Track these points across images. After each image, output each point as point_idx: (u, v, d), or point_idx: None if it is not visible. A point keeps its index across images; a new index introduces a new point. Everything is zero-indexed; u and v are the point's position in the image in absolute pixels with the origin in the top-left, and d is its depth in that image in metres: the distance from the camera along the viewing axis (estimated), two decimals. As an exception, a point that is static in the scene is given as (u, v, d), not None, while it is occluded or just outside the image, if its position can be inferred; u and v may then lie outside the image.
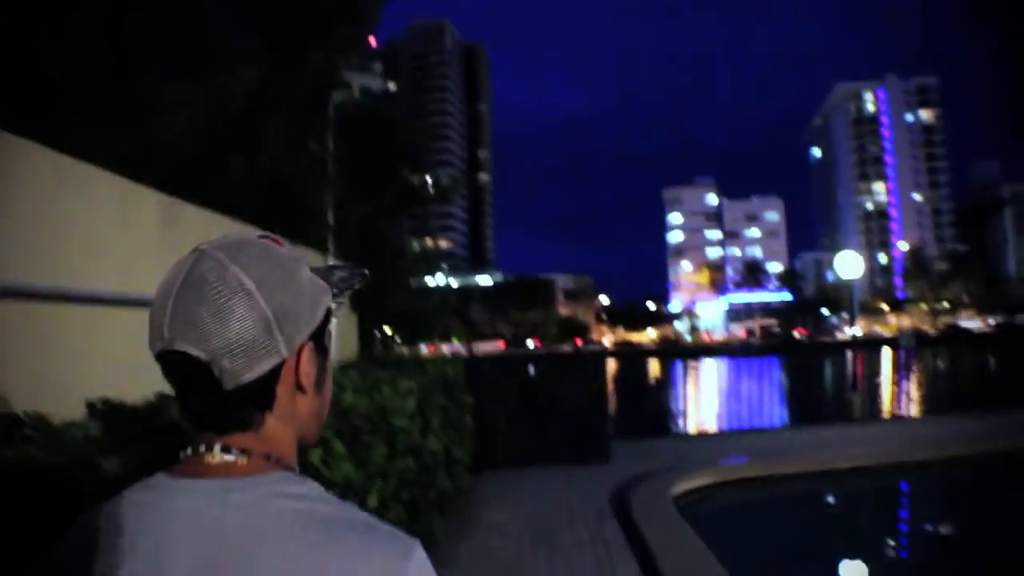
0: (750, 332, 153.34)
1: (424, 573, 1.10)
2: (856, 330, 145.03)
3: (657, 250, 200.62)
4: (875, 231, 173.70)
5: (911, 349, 23.77)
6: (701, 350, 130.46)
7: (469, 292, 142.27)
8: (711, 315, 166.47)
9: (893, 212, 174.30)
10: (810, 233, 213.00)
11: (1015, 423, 15.33)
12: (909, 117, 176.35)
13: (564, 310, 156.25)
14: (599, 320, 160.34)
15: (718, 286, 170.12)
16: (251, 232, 1.24)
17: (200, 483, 1.13)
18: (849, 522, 11.30)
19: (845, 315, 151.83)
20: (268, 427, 1.18)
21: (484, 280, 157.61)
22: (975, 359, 58.28)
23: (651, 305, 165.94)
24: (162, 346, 1.11)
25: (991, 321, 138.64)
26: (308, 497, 1.12)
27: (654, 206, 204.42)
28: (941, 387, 28.25)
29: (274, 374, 1.15)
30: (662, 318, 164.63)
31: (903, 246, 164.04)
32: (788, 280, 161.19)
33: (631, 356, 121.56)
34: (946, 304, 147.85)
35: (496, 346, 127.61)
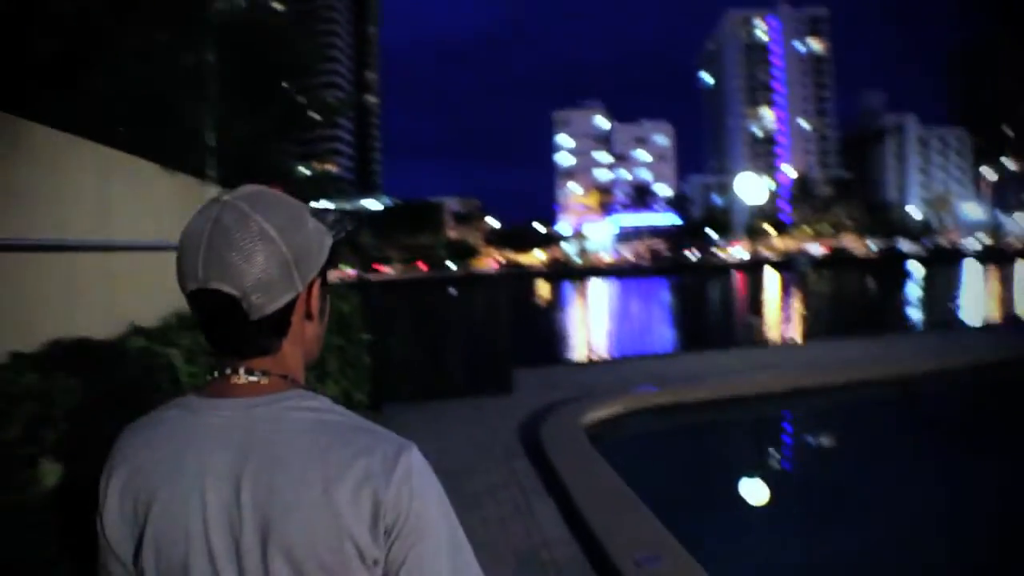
0: (639, 254, 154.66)
1: (417, 467, 1.32)
2: (743, 253, 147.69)
3: (546, 173, 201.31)
4: (762, 156, 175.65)
5: (805, 272, 23.53)
6: (590, 271, 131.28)
7: (358, 217, 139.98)
8: (600, 237, 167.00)
9: (781, 138, 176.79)
10: (698, 157, 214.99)
11: (910, 345, 15.34)
12: (799, 46, 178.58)
13: (453, 233, 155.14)
14: (488, 242, 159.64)
15: (607, 208, 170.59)
16: (257, 185, 1.39)
17: (230, 401, 1.34)
18: (758, 449, 11.01)
19: (730, 238, 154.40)
20: (283, 351, 1.39)
21: (372, 205, 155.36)
22: (859, 282, 59.71)
23: (540, 227, 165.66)
24: (197, 285, 1.29)
25: (872, 245, 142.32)
26: (320, 409, 1.34)
27: (543, 129, 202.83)
28: (833, 310, 28.43)
29: (290, 306, 1.36)
30: (551, 240, 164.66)
31: (790, 171, 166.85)
32: (677, 203, 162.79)
33: (520, 278, 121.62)
34: (829, 228, 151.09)
35: (390, 272, 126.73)
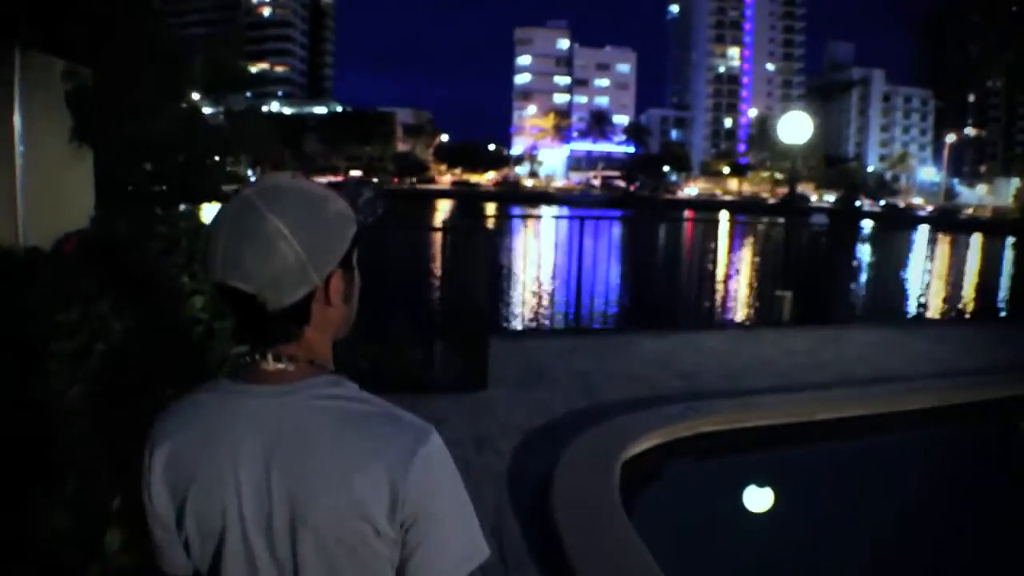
0: (590, 184, 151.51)
1: (435, 453, 1.43)
2: (693, 191, 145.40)
3: (503, 92, 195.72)
4: (724, 95, 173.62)
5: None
6: (540, 197, 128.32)
7: (304, 122, 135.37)
8: (553, 161, 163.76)
9: (745, 79, 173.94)
10: (659, 90, 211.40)
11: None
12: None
13: (402, 146, 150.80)
14: (437, 158, 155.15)
15: (562, 133, 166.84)
16: (284, 175, 1.48)
17: (259, 388, 1.44)
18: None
19: (686, 176, 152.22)
20: (307, 336, 1.48)
21: (321, 110, 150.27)
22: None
23: (492, 147, 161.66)
24: (217, 279, 1.39)
25: (827, 198, 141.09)
26: (345, 397, 1.44)
27: (504, 45, 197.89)
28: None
29: (309, 296, 1.43)
30: (502, 161, 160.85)
31: (752, 113, 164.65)
32: (634, 134, 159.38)
33: (469, 198, 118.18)
34: (781, 175, 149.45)
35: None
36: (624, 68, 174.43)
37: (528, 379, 9.03)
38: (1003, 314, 17.58)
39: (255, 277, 1.35)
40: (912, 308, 18.20)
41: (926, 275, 18.96)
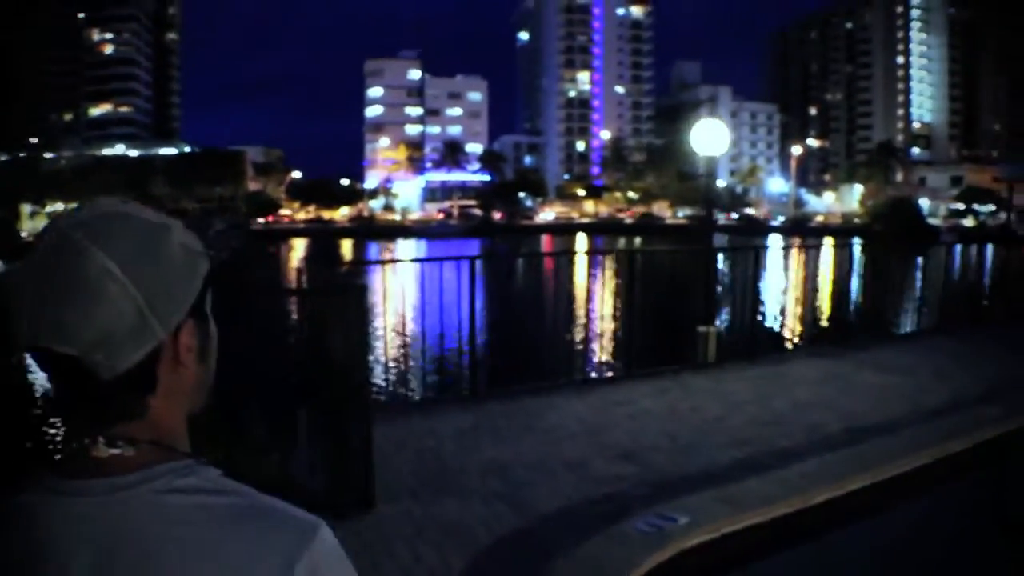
0: (447, 213, 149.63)
1: (325, 553, 1.07)
2: (549, 216, 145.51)
3: (355, 125, 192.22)
4: (576, 119, 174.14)
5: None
6: (398, 230, 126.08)
7: (151, 164, 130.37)
8: (408, 193, 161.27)
9: (596, 103, 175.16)
10: (511, 117, 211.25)
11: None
12: (620, 11, 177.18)
13: (254, 185, 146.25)
14: (290, 196, 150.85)
15: (416, 164, 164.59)
16: (111, 201, 1.12)
17: (88, 484, 1.05)
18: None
19: (542, 200, 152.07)
20: (153, 409, 1.10)
21: (169, 151, 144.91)
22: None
23: (346, 182, 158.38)
24: (25, 342, 1.03)
25: (680, 214, 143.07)
26: (202, 490, 1.06)
27: (354, 79, 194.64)
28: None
29: (152, 356, 1.07)
30: (356, 195, 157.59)
31: (604, 135, 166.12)
32: (489, 161, 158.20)
33: (323, 235, 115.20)
34: (634, 195, 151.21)
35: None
36: (476, 96, 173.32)
37: (429, 484, 6.66)
38: (914, 326, 16.09)
39: (78, 335, 1.00)
40: (823, 327, 16.75)
41: (815, 291, 17.60)
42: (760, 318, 14.55)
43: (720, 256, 14.05)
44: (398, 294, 13.61)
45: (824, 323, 16.85)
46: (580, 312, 15.85)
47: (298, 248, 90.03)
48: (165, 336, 1.07)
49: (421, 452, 7.45)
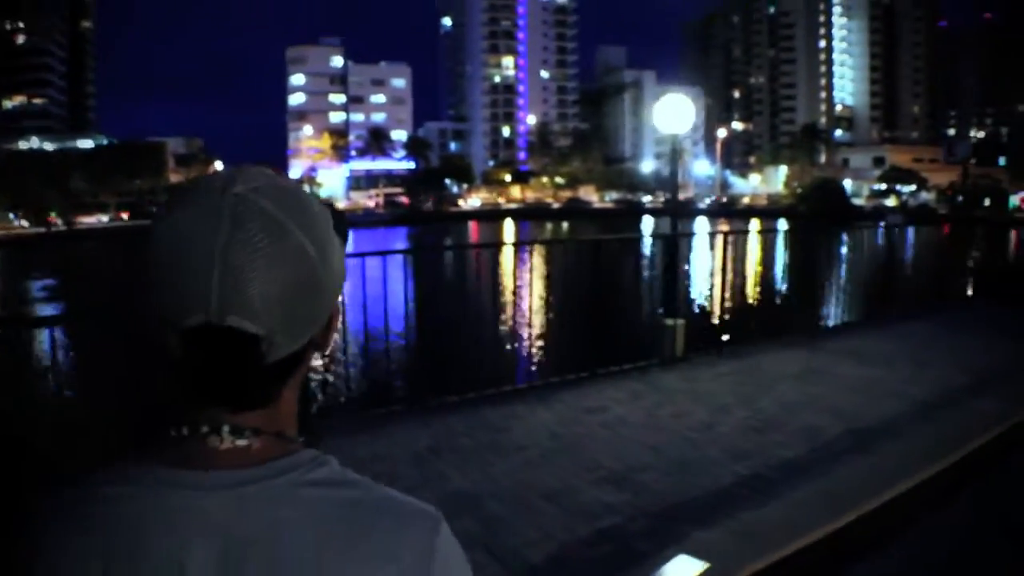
0: (376, 202, 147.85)
1: (450, 544, 1.02)
2: (476, 203, 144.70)
3: (277, 114, 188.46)
4: (501, 104, 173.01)
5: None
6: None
7: (68, 157, 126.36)
8: (333, 182, 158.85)
9: (521, 88, 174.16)
10: (436, 103, 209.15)
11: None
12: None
13: (175, 177, 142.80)
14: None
15: (341, 152, 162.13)
16: (268, 171, 1.03)
17: (208, 477, 0.96)
18: None
19: (468, 187, 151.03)
20: (282, 398, 1.04)
21: (87, 144, 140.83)
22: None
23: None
24: (205, 319, 0.91)
25: (608, 198, 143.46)
26: (332, 482, 1.00)
27: (276, 67, 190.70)
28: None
29: (309, 341, 1.02)
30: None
31: (530, 120, 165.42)
32: (414, 148, 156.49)
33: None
34: (562, 180, 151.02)
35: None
36: (400, 83, 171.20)
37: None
38: (875, 311, 15.45)
39: (270, 313, 0.92)
40: (785, 314, 16.00)
41: (767, 277, 16.93)
42: (718, 307, 13.68)
43: (660, 244, 12.91)
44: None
45: (784, 309, 16.09)
46: (521, 307, 14.81)
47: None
48: (325, 320, 1.03)
49: (374, 477, 6.32)
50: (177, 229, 0.93)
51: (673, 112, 10.90)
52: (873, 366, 10.65)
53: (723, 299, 12.71)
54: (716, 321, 13.33)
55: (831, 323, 13.89)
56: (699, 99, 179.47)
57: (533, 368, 11.70)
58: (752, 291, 16.77)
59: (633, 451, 6.94)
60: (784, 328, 14.28)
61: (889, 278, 16.67)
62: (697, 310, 12.42)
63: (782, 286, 15.71)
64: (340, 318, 1.09)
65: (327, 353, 1.12)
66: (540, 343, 12.75)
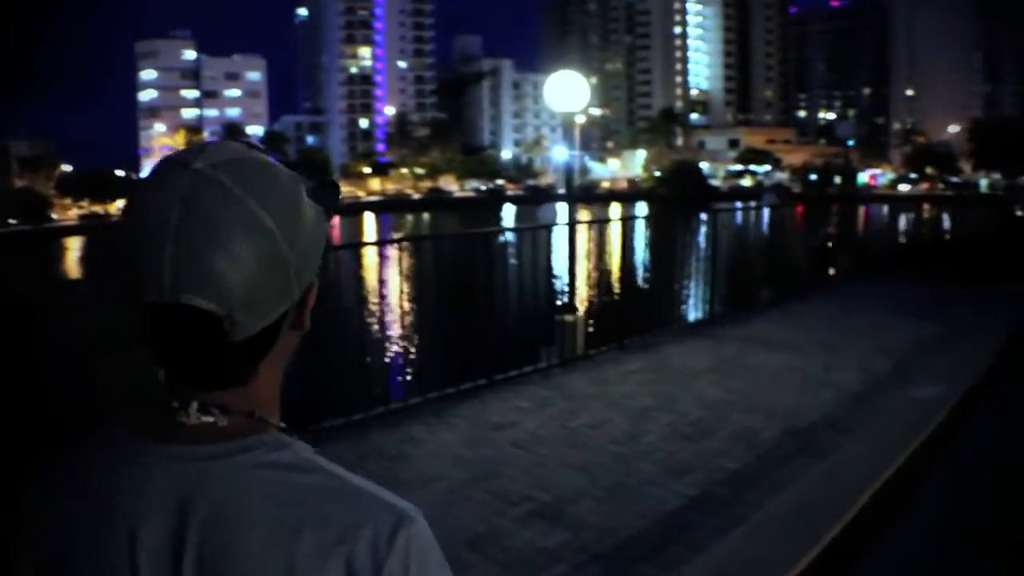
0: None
1: (418, 545, 0.96)
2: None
3: (128, 112, 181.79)
4: (359, 96, 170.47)
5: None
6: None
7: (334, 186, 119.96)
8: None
9: (378, 78, 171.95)
10: (293, 96, 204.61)
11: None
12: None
13: (20, 182, 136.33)
14: (61, 192, 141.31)
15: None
16: (237, 144, 1.02)
17: (173, 450, 0.98)
18: None
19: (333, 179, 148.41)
20: (259, 377, 1.02)
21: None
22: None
23: (121, 173, 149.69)
24: (160, 297, 0.91)
25: (469, 187, 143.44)
26: (294, 466, 0.98)
27: (125, 62, 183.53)
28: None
29: (280, 319, 1.00)
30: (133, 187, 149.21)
31: (389, 111, 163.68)
32: (272, 143, 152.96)
33: (99, 231, 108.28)
34: (421, 171, 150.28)
35: None
36: (254, 76, 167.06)
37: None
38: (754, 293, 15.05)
39: (229, 291, 0.90)
40: (669, 301, 15.33)
41: (648, 259, 16.30)
42: (603, 298, 12.85)
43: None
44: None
45: (669, 296, 15.43)
46: (396, 311, 13.66)
47: (74, 249, 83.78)
48: (298, 297, 1.01)
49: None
50: (137, 206, 0.93)
51: (566, 90, 10.01)
52: (785, 353, 10.11)
53: (607, 290, 11.96)
54: (606, 313, 12.45)
55: (722, 308, 13.19)
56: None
57: (423, 379, 10.46)
58: (634, 280, 15.96)
59: (557, 475, 5.95)
60: (677, 316, 13.65)
61: (766, 260, 16.31)
62: (585, 303, 11.43)
63: (663, 272, 14.97)
64: (315, 295, 1.06)
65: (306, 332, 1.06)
66: (425, 350, 11.53)
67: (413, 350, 11.93)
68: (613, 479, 5.86)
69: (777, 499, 5.44)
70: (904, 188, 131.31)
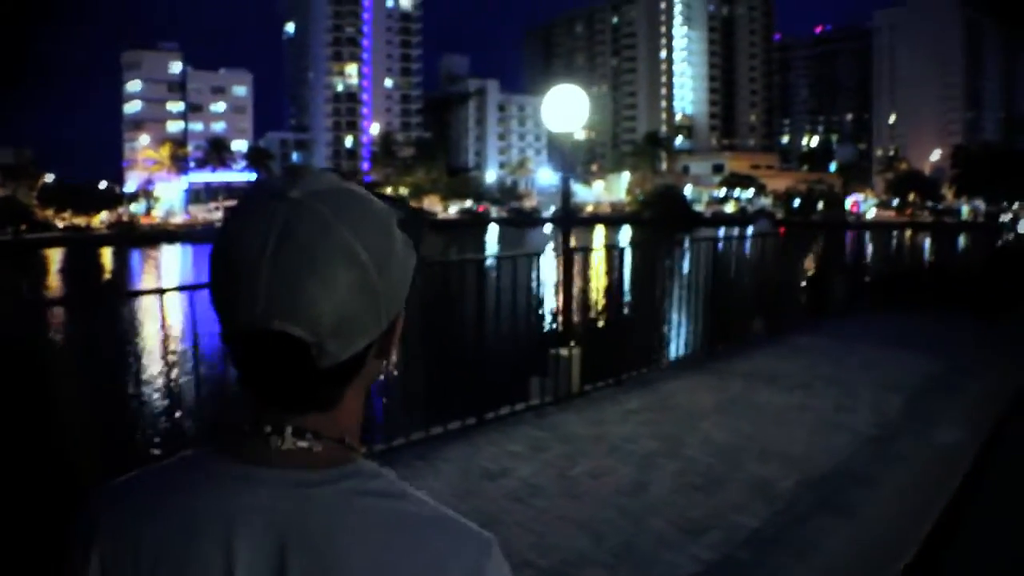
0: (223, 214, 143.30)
1: (500, 570, 1.02)
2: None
3: (112, 123, 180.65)
4: (344, 113, 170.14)
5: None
6: (161, 235, 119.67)
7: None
8: (171, 195, 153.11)
9: (364, 96, 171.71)
10: (278, 112, 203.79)
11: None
12: (390, 2, 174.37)
13: (1, 191, 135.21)
14: (43, 202, 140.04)
15: (179, 164, 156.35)
16: (330, 174, 1.04)
17: (273, 474, 0.99)
18: None
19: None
20: (344, 403, 1.05)
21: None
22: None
23: (104, 185, 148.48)
24: (252, 323, 0.94)
25: (453, 209, 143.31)
26: (391, 494, 1.02)
27: (111, 71, 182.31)
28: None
29: (367, 347, 1.02)
30: (116, 199, 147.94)
31: (374, 129, 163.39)
32: (256, 159, 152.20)
33: (81, 244, 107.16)
34: (405, 190, 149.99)
35: None
36: (241, 91, 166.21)
37: None
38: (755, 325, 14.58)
39: (319, 319, 0.93)
40: (665, 334, 14.81)
41: (639, 288, 15.81)
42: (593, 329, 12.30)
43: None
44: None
45: (665, 328, 14.92)
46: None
47: (54, 262, 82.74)
48: (385, 327, 1.03)
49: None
50: (232, 234, 0.96)
51: (564, 107, 9.39)
52: (792, 391, 9.65)
53: (598, 320, 11.40)
54: (601, 345, 11.82)
55: (721, 341, 12.68)
56: (539, 109, 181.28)
57: (406, 418, 9.71)
58: (628, 309, 15.46)
59: (559, 534, 5.40)
60: (676, 349, 13.20)
61: (763, 290, 15.87)
62: (578, 334, 10.78)
63: (658, 303, 14.41)
64: (401, 325, 1.08)
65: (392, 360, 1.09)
66: (408, 384, 10.77)
67: (395, 385, 11.21)
68: (621, 539, 5.32)
69: (802, 567, 4.92)
70: (887, 214, 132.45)
